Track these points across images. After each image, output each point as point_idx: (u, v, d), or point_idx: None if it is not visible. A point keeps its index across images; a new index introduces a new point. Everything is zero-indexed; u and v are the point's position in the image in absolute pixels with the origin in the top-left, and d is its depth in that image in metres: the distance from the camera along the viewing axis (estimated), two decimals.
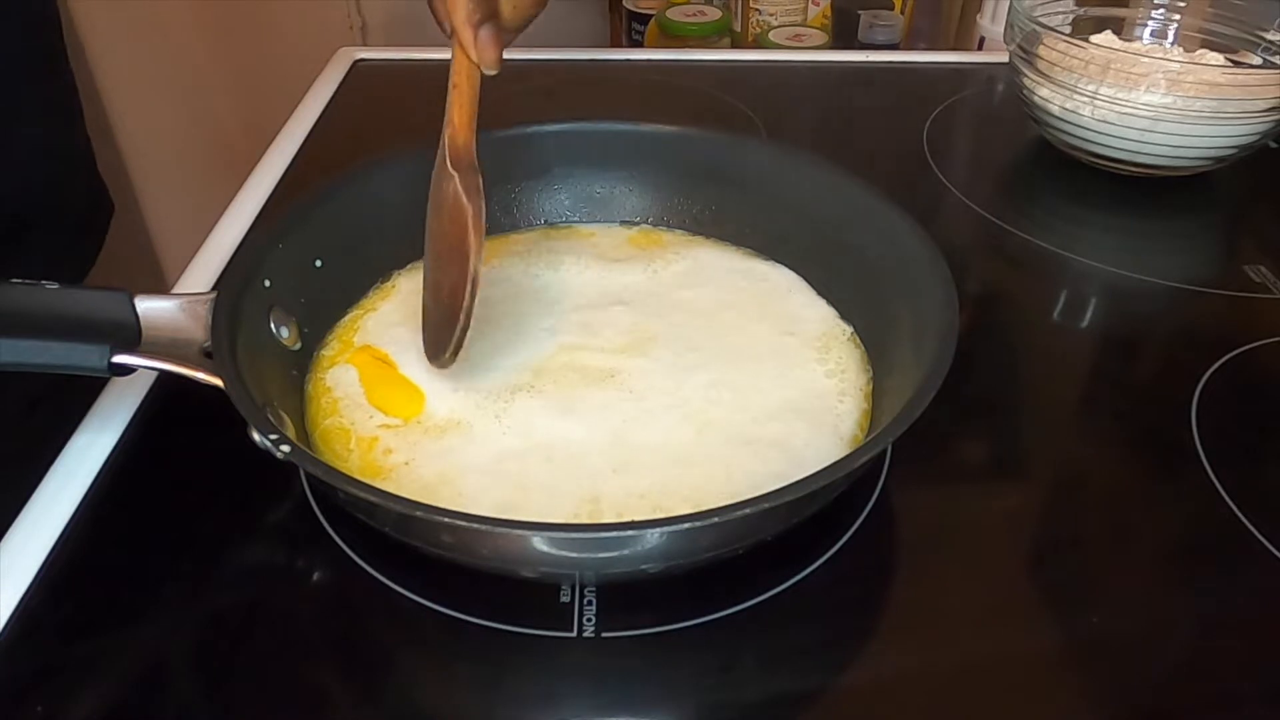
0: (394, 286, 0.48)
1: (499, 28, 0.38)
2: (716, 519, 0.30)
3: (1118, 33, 0.69)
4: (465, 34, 0.38)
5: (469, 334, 0.39)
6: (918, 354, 0.38)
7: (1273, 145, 0.64)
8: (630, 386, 0.42)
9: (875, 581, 0.37)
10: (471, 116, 0.40)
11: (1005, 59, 0.69)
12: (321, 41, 0.86)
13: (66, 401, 0.45)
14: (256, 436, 0.33)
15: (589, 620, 0.35)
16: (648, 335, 0.45)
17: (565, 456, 0.39)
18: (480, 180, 0.39)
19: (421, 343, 0.42)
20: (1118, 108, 0.60)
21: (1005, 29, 0.68)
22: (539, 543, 0.32)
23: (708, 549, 0.33)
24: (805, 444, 0.39)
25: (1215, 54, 0.67)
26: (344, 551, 0.38)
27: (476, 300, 0.38)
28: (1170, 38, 0.71)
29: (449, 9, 0.38)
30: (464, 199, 0.39)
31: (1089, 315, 0.55)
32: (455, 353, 0.39)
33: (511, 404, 0.41)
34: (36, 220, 0.53)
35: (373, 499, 0.31)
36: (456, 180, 0.39)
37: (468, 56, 0.39)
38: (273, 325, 0.41)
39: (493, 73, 0.39)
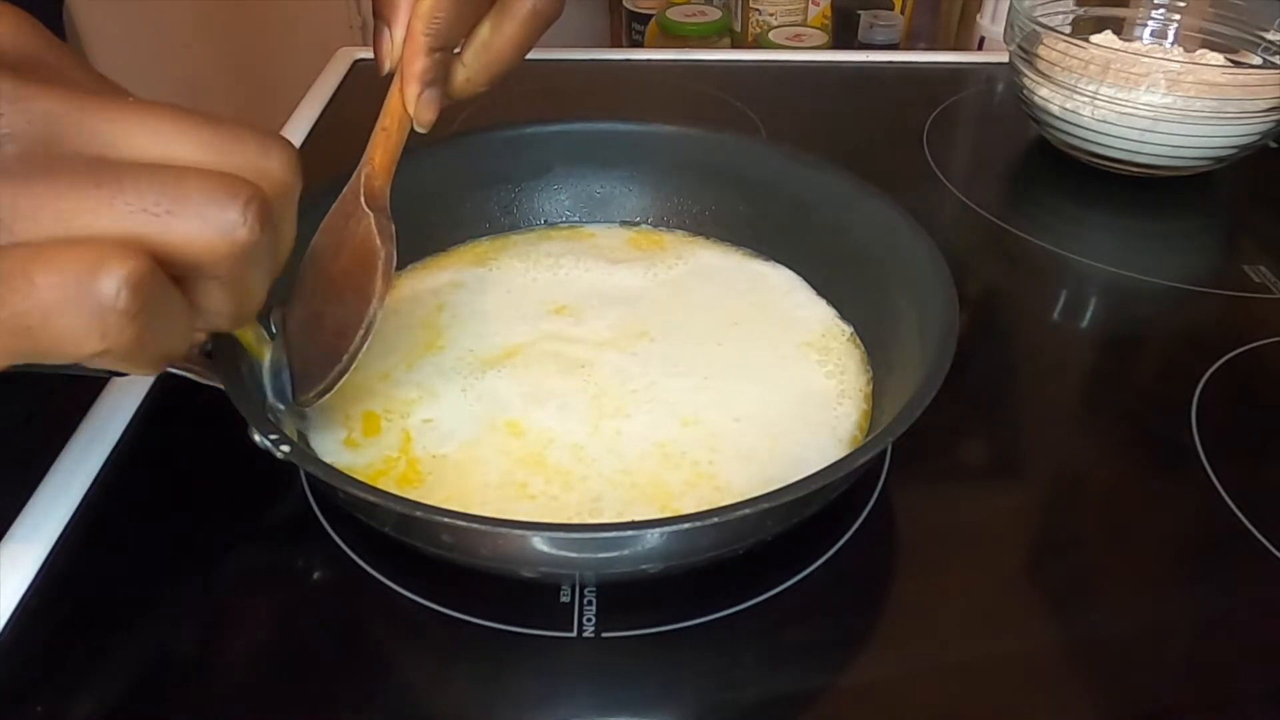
0: (393, 287, 0.48)
1: (444, 93, 0.38)
2: (716, 519, 0.30)
3: (1118, 33, 0.69)
4: (411, 89, 0.37)
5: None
6: (918, 354, 0.38)
7: (1273, 145, 0.64)
8: (605, 379, 0.42)
9: (875, 581, 0.37)
10: (393, 162, 0.39)
11: (1005, 59, 0.69)
12: (321, 41, 0.86)
13: (65, 409, 0.44)
14: (256, 436, 0.33)
15: (589, 620, 0.35)
16: (638, 331, 0.45)
17: (550, 445, 0.39)
18: (394, 228, 0.38)
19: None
20: (1118, 108, 0.60)
21: (1005, 29, 0.68)
22: (539, 543, 0.32)
23: (708, 549, 0.33)
24: (804, 444, 0.39)
25: (1215, 54, 0.67)
26: (344, 551, 0.38)
27: (366, 347, 0.36)
28: (1170, 38, 0.71)
29: (405, 59, 0.37)
30: (377, 241, 0.37)
31: (1089, 315, 0.55)
32: (323, 395, 0.37)
33: (481, 380, 0.42)
34: None
35: (372, 499, 0.31)
36: (371, 220, 0.37)
37: (405, 108, 0.38)
38: (273, 325, 0.41)
39: (423, 131, 0.39)
